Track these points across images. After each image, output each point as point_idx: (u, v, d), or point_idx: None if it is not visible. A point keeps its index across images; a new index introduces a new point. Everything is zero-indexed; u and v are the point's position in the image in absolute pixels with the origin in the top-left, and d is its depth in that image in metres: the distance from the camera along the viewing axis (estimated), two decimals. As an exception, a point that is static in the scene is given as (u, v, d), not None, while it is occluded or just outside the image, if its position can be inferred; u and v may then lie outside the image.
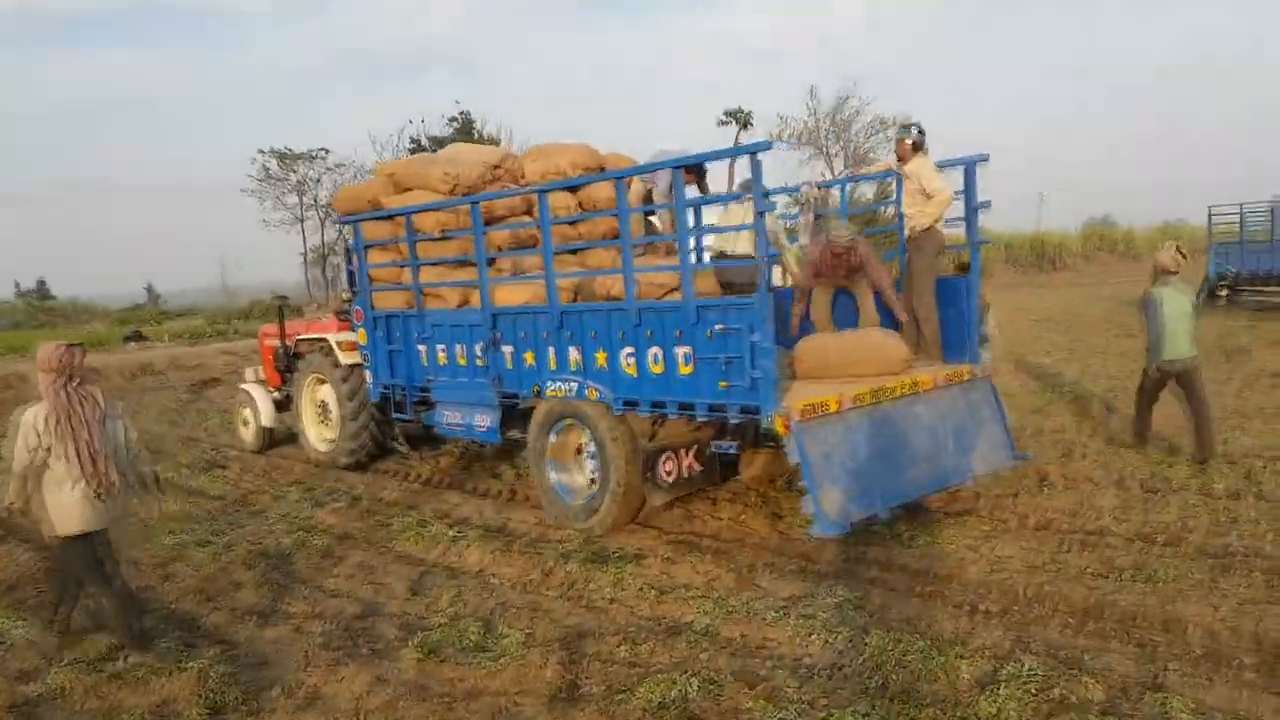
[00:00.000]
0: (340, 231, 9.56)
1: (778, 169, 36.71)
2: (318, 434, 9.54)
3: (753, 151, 5.02)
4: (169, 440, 11.54)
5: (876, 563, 5.36)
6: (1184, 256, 7.10)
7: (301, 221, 46.12)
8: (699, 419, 5.69)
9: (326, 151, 42.69)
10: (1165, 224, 49.22)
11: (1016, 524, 5.87)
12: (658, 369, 5.85)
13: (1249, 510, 5.79)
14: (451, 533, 6.52)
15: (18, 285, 43.86)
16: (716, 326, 5.39)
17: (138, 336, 25.29)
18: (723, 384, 5.42)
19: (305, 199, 45.12)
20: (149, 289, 46.47)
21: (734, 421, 5.49)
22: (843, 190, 7.52)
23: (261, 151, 41.80)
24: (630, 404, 6.07)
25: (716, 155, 5.97)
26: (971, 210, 6.46)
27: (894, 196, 7.09)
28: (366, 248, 8.16)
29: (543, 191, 6.50)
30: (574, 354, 6.40)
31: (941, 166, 6.55)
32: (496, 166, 7.68)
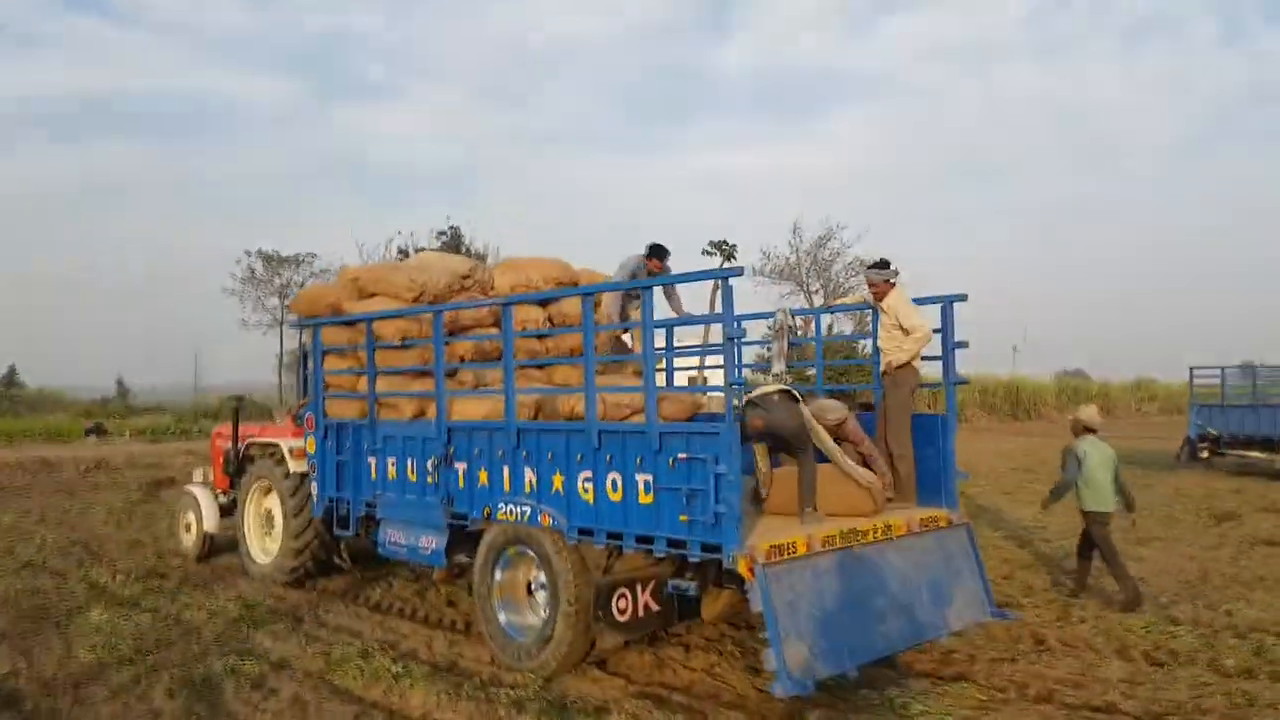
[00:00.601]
0: (300, 335, 9.25)
1: (757, 300, 37.15)
2: (259, 545, 8.96)
3: (724, 277, 4.81)
4: (110, 544, 10.84)
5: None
6: (1102, 415, 7.79)
7: (281, 325, 46.00)
8: (657, 554, 5.26)
9: (314, 256, 42.98)
10: (1139, 379, 49.93)
11: (1016, 694, 5.32)
12: (616, 496, 5.46)
13: (1264, 690, 5.32)
14: (396, 668, 5.88)
15: (6, 373, 42.94)
16: (680, 455, 5.04)
17: (99, 430, 24.64)
18: (684, 517, 5.02)
19: (286, 302, 45.16)
20: (119, 383, 45.73)
21: (694, 559, 5.07)
22: (817, 320, 7.34)
23: (248, 253, 42.05)
24: (585, 533, 5.64)
25: (692, 277, 5.77)
26: (949, 349, 6.26)
27: (870, 330, 6.93)
28: (324, 353, 7.84)
29: (507, 304, 6.26)
30: (529, 475, 6.01)
31: (919, 303, 6.39)
32: (465, 276, 7.48)
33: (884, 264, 6.40)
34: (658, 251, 7.44)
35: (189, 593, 8.24)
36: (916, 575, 5.71)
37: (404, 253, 30.72)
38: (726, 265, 34.88)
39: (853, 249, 36.90)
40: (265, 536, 8.96)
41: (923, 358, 6.37)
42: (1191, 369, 19.00)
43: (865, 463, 6.09)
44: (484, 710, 5.18)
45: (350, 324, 7.53)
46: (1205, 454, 17.35)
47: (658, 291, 7.43)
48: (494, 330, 7.24)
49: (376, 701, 5.42)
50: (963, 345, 6.25)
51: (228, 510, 9.79)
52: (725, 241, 39.14)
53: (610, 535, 5.53)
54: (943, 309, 6.29)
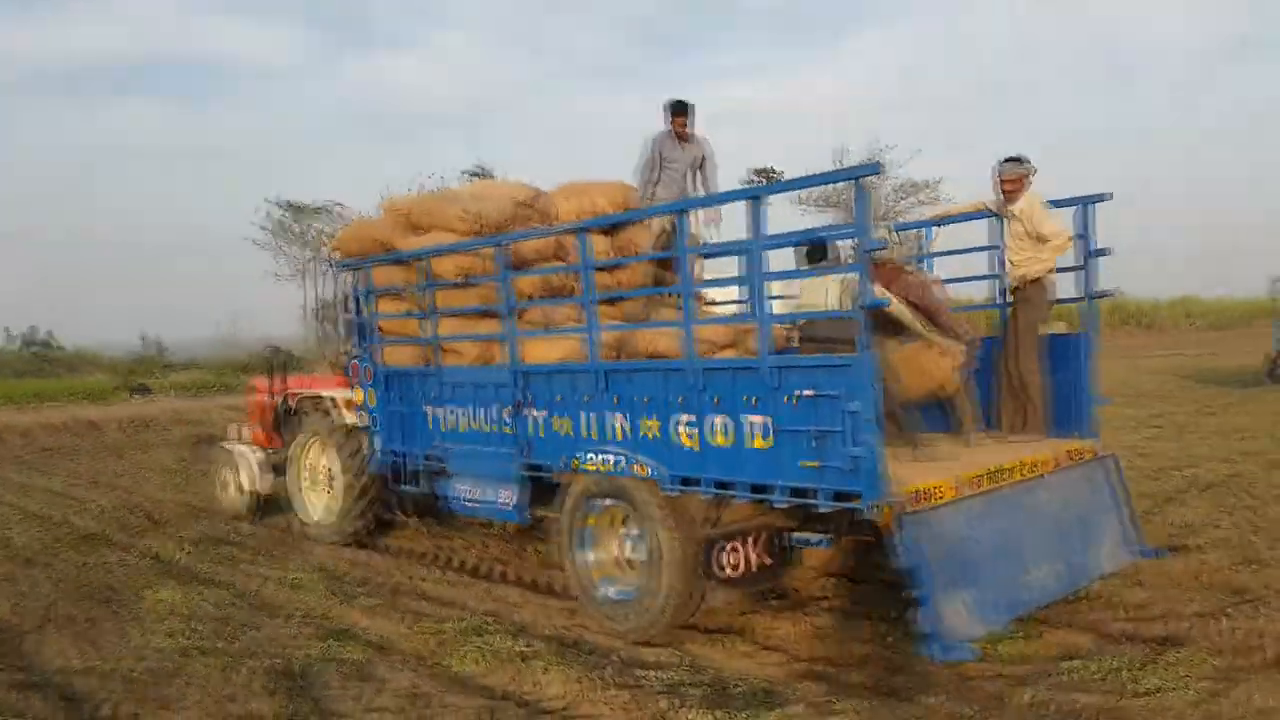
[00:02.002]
0: (336, 279, 8.48)
1: (798, 226, 35.83)
2: (314, 502, 8.49)
3: (858, 176, 4.06)
4: (169, 510, 10.07)
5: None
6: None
7: (304, 275, 45.37)
8: (775, 504, 4.63)
9: (340, 205, 42.21)
10: (1183, 297, 48.00)
11: (1257, 659, 4.37)
12: (723, 441, 4.82)
13: None
14: (519, 646, 5.08)
15: (27, 331, 42.91)
16: (803, 392, 4.38)
17: (143, 389, 24.49)
18: (809, 463, 4.38)
19: (326, 248, 44.50)
20: (153, 340, 45.75)
21: (824, 509, 4.43)
22: (926, 234, 6.54)
23: (268, 200, 41.14)
24: (687, 482, 5.03)
25: (820, 180, 4.94)
26: (1090, 257, 5.49)
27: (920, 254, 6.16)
28: (375, 295, 7.21)
29: (582, 230, 5.56)
30: (618, 421, 5.38)
31: (1053, 206, 5.59)
32: (525, 204, 6.74)
33: (1019, 159, 5.58)
34: (678, 106, 6.67)
35: (264, 563, 7.49)
36: (1065, 515, 5.06)
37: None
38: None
39: (904, 169, 35.19)
40: (324, 494, 8.49)
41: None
42: (1273, 279, 17.86)
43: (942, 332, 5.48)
44: (638, 699, 4.29)
45: (403, 262, 6.87)
46: None
47: (686, 165, 6.80)
48: (556, 262, 6.57)
49: (506, 691, 4.57)
50: (1103, 253, 5.48)
51: (270, 468, 9.34)
52: (771, 169, 37.58)
53: (718, 485, 4.91)
54: (1082, 210, 5.50)
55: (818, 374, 4.34)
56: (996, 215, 5.86)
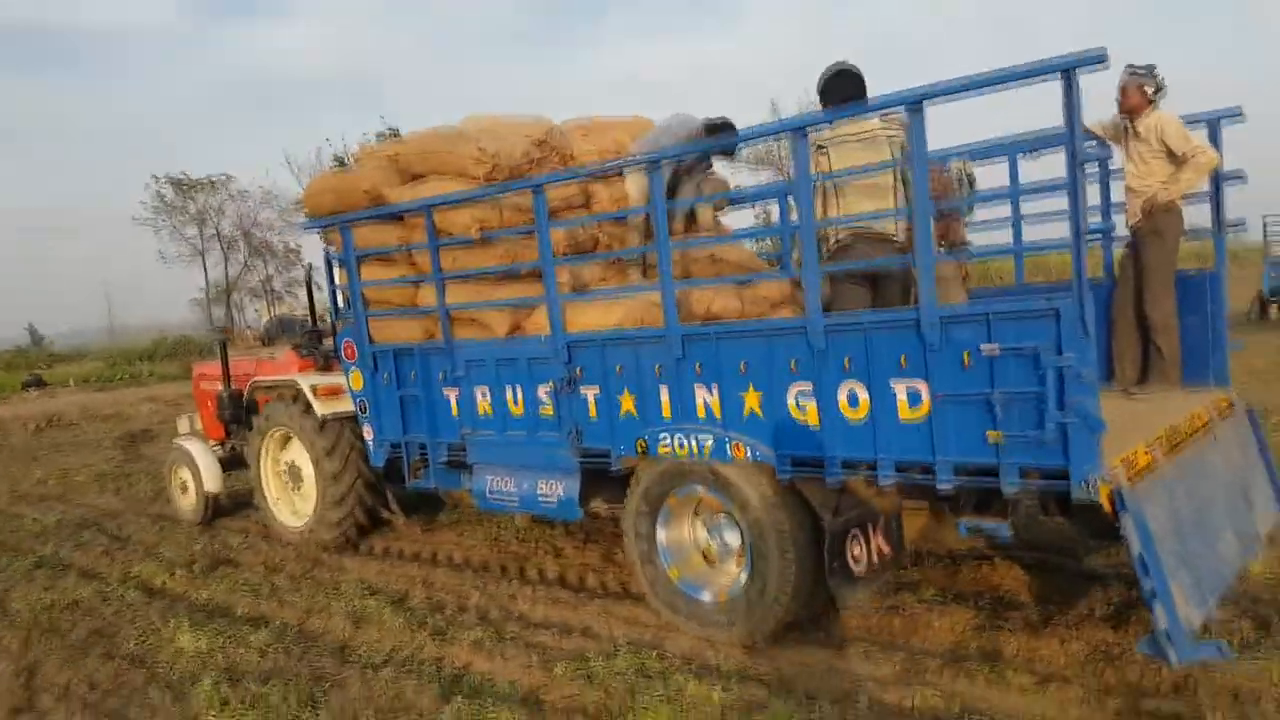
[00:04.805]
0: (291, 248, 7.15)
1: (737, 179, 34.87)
2: (286, 505, 7.32)
3: (1074, 68, 3.18)
4: (131, 524, 8.28)
5: None
6: None
7: (202, 254, 42.83)
8: (940, 486, 3.80)
9: (229, 178, 39.61)
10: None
11: None
12: (857, 414, 3.97)
13: None
14: (709, 690, 3.96)
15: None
16: (985, 347, 3.55)
17: (38, 383, 22.12)
18: (995, 434, 3.57)
19: (206, 230, 41.85)
20: (31, 329, 42.19)
21: (1010, 490, 3.63)
22: (1013, 164, 5.72)
23: (155, 178, 38.45)
24: (806, 464, 4.18)
25: (875, 107, 3.86)
26: (1220, 183, 4.84)
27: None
28: (360, 259, 6.06)
29: (654, 161, 4.58)
30: (705, 396, 4.47)
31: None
32: (542, 142, 5.69)
33: (1148, 69, 4.84)
34: (721, 132, 5.33)
35: (291, 586, 6.02)
36: (1230, 477, 4.43)
37: (340, 160, 27.92)
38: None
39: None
40: (293, 494, 7.32)
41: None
42: (1265, 218, 17.74)
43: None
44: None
45: (397, 218, 5.74)
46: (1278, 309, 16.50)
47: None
48: (581, 213, 5.58)
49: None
50: (1238, 177, 4.83)
51: (227, 464, 8.13)
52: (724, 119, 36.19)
53: (846, 464, 4.08)
54: (1209, 130, 4.83)
55: (1007, 324, 3.52)
56: (1101, 141, 5.15)
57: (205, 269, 41.75)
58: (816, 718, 3.67)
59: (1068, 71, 3.19)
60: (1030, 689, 3.76)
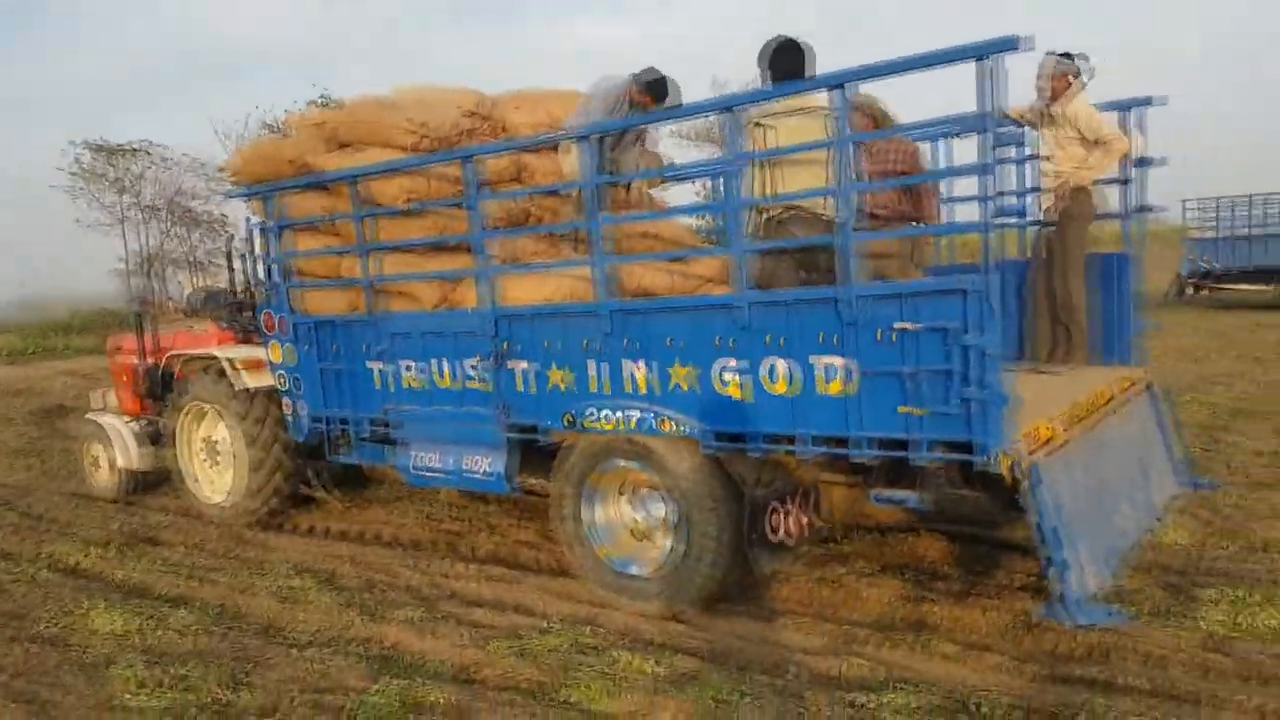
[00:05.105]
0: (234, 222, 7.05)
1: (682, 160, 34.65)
2: (206, 481, 7.16)
3: (988, 53, 3.26)
4: (43, 501, 7.91)
5: None
6: None
7: (123, 223, 41.21)
8: (856, 459, 3.92)
9: (152, 144, 38.04)
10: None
11: None
12: (782, 389, 4.06)
13: None
14: (644, 664, 3.96)
15: None
16: (901, 325, 3.66)
17: (-54, 358, 21.06)
18: (910, 409, 3.69)
19: (126, 198, 40.30)
20: (-64, 299, 40.13)
21: (918, 462, 3.76)
22: (935, 146, 5.82)
23: (73, 143, 36.74)
24: (729, 438, 4.26)
25: (941, 57, 3.71)
26: (1136, 167, 5.03)
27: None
28: (282, 229, 5.93)
29: (586, 135, 4.57)
30: (634, 370, 4.51)
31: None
32: (473, 114, 5.63)
33: (1069, 55, 4.99)
34: (655, 89, 5.21)
35: (215, 564, 5.83)
36: (1131, 451, 4.65)
37: (270, 127, 27.08)
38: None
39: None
40: (213, 470, 7.16)
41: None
42: (1184, 202, 18.34)
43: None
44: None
45: (326, 187, 5.63)
46: (1193, 291, 17.16)
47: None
48: (514, 185, 5.54)
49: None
50: (1151, 162, 5.03)
51: (145, 439, 7.90)
52: (654, 70, 35.78)
53: (769, 439, 4.17)
54: (1127, 117, 5.01)
55: (921, 303, 3.63)
56: (1018, 124, 5.30)
57: (124, 238, 40.26)
58: (749, 688, 3.75)
59: (981, 57, 3.28)
60: (954, 657, 3.92)
